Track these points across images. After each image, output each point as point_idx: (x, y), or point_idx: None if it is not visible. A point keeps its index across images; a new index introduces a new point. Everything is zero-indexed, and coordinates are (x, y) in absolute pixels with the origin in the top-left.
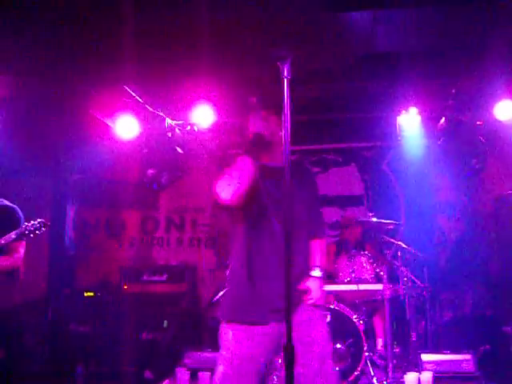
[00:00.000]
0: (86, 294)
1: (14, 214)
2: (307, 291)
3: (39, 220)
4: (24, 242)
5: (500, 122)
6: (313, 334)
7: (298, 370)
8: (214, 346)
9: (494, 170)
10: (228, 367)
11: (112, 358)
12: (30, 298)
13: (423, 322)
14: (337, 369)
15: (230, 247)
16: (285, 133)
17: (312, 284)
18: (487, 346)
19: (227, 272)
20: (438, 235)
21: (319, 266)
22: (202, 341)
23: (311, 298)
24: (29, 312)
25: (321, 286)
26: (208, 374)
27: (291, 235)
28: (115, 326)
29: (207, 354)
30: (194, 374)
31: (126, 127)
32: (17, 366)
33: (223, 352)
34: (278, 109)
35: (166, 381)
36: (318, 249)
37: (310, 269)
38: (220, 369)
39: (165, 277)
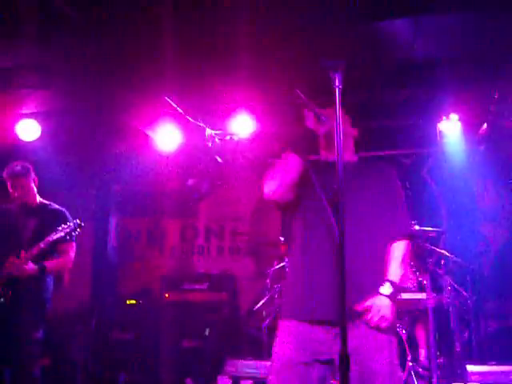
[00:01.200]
0: (128, 302)
1: (63, 216)
2: (366, 311)
3: (74, 221)
4: (73, 244)
5: None
6: (371, 364)
7: None
8: (255, 354)
9: None
10: (271, 362)
11: (154, 366)
12: (74, 307)
13: (467, 333)
14: None
15: (288, 246)
16: (337, 141)
17: (375, 302)
18: None
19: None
20: (481, 243)
21: (390, 281)
22: (242, 349)
23: (370, 320)
24: (73, 320)
25: (387, 306)
26: (250, 382)
27: (347, 237)
28: (157, 333)
29: (248, 362)
30: (235, 382)
31: (167, 137)
32: (61, 373)
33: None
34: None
35: None
36: (394, 255)
37: (378, 281)
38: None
39: (205, 285)
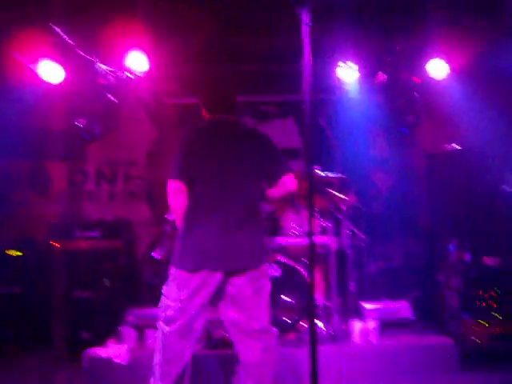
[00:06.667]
0: (9, 253)
1: None
2: None
3: None
4: None
5: (434, 80)
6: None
7: None
8: (154, 302)
9: (428, 128)
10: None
11: (44, 321)
12: None
13: (359, 273)
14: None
15: None
16: (304, 82)
17: None
18: (418, 293)
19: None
20: (372, 189)
21: None
22: (140, 297)
23: None
24: None
25: None
26: (154, 330)
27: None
28: (46, 286)
29: (149, 311)
30: (139, 332)
31: (51, 71)
32: None
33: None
34: None
35: (111, 340)
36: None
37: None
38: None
39: (98, 232)
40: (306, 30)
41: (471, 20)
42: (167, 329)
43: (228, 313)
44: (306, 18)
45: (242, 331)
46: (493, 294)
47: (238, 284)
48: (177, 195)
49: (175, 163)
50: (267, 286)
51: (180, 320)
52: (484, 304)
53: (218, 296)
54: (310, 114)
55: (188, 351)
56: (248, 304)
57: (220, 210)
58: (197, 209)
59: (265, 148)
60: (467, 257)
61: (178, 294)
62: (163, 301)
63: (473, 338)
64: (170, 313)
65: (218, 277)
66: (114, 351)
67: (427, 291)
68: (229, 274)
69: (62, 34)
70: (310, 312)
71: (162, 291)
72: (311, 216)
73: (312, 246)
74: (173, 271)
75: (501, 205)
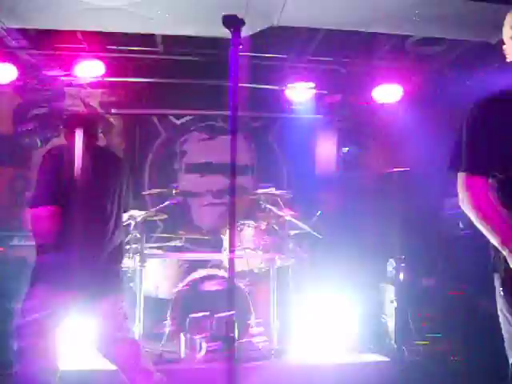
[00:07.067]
0: None
1: None
2: None
3: None
4: None
5: (384, 103)
6: None
7: None
8: None
9: (376, 149)
10: None
11: None
12: None
13: (301, 290)
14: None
15: None
16: (231, 99)
17: None
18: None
19: None
20: (318, 207)
21: None
22: None
23: None
24: None
25: None
26: None
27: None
28: None
29: None
30: None
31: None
32: None
33: None
34: None
35: None
36: None
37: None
38: None
39: None
40: (234, 51)
41: (421, 48)
42: (26, 342)
43: (95, 327)
44: (235, 38)
45: (109, 339)
46: (429, 313)
47: (99, 306)
48: (50, 221)
49: (46, 187)
50: (125, 306)
51: (38, 335)
52: (422, 323)
53: (82, 312)
54: (234, 132)
55: (49, 360)
56: (110, 322)
57: (85, 233)
58: (63, 231)
59: (125, 179)
60: (405, 276)
61: (40, 309)
62: (24, 314)
63: (410, 356)
64: (30, 326)
65: (79, 298)
66: None
67: (367, 309)
68: (91, 296)
69: (9, 35)
70: (228, 327)
71: (23, 306)
72: (232, 230)
73: (232, 260)
74: (35, 286)
75: (441, 226)
